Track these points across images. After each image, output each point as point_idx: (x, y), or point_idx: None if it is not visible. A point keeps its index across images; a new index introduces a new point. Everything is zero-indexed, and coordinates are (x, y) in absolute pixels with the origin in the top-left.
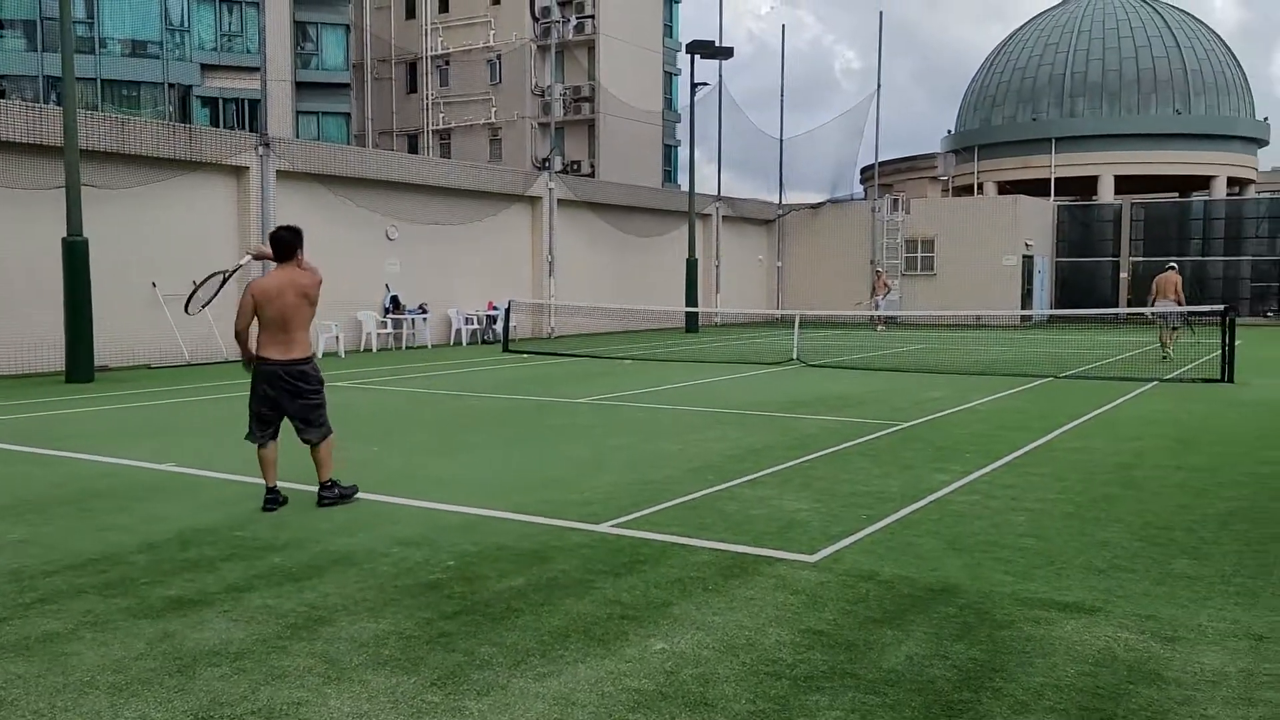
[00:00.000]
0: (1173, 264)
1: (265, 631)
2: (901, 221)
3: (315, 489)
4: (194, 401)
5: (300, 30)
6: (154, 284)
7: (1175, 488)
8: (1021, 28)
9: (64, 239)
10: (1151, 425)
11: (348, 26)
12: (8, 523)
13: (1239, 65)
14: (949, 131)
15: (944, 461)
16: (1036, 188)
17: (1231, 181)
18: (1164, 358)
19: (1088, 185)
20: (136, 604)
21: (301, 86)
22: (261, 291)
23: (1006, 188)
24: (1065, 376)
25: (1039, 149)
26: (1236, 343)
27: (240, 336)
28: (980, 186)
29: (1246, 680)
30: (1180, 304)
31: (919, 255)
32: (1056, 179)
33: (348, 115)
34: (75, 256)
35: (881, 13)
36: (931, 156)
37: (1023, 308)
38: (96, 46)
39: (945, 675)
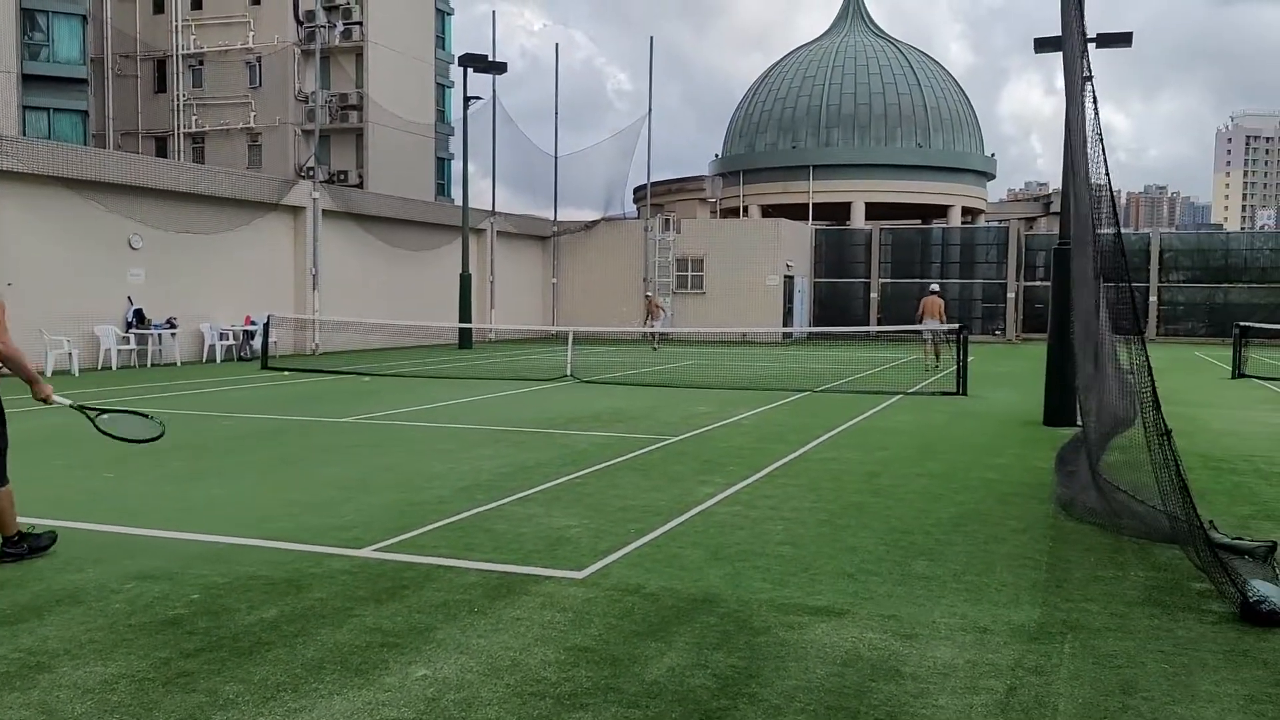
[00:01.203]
0: (935, 286)
1: None
2: (673, 241)
3: (73, 525)
4: None
5: (28, 17)
6: None
7: (916, 493)
8: (782, 60)
9: None
10: (896, 435)
11: (84, 17)
12: None
13: (970, 105)
14: (716, 155)
15: (709, 474)
16: (797, 212)
17: (965, 211)
18: (934, 368)
19: (842, 211)
20: None
21: (29, 79)
22: None
23: (769, 211)
24: (822, 390)
25: (798, 175)
26: (969, 359)
27: None
28: (745, 209)
29: (971, 670)
30: (942, 322)
31: (689, 274)
32: (814, 204)
33: (85, 113)
34: None
35: (652, 38)
36: (701, 178)
37: (784, 325)
38: None
39: (705, 684)
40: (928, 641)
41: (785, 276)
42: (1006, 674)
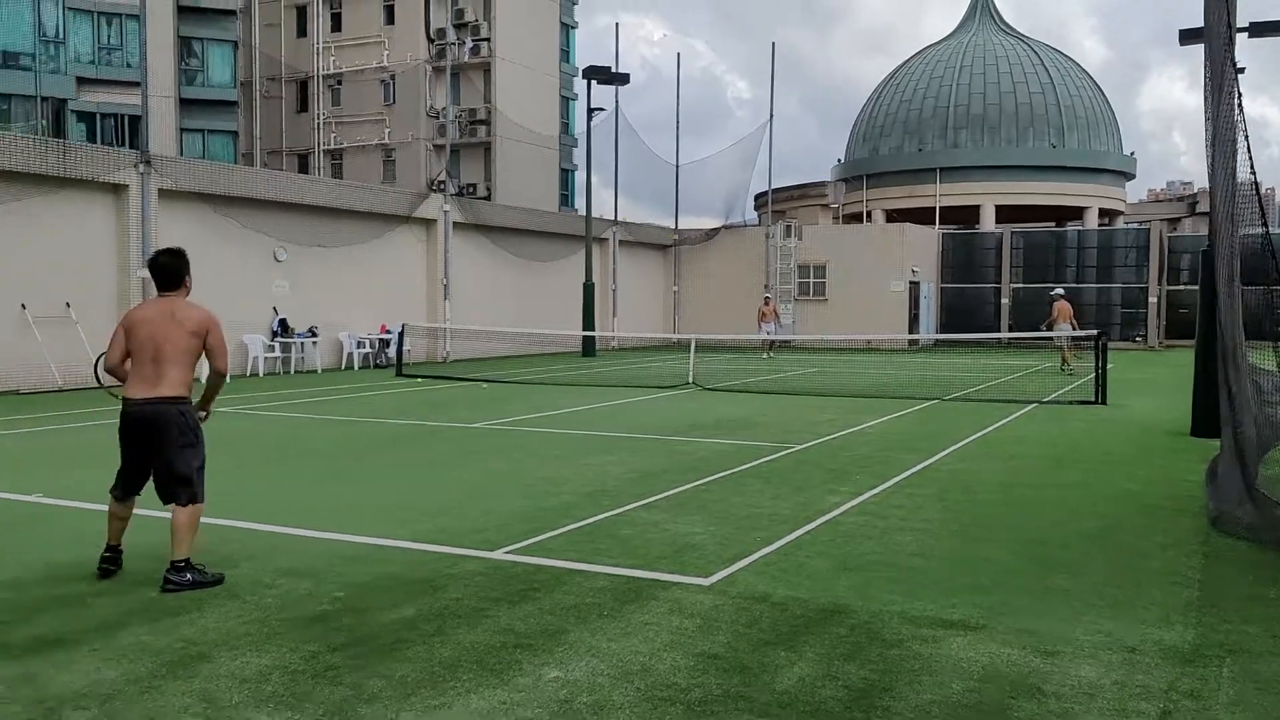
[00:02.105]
0: (1059, 290)
1: (139, 671)
2: (794, 247)
3: (230, 523)
4: (65, 429)
5: (185, 45)
6: (23, 305)
7: (1053, 505)
8: (907, 61)
9: None
10: (1030, 445)
11: (235, 43)
12: None
13: (1107, 101)
14: (839, 160)
15: (835, 483)
16: (923, 216)
17: (1102, 212)
18: (1069, 372)
19: (971, 214)
20: None
21: (186, 103)
22: (131, 321)
23: (894, 216)
24: (950, 399)
25: (924, 179)
26: (1109, 366)
27: (115, 373)
28: (869, 214)
29: (1120, 692)
30: (1074, 327)
31: (811, 280)
32: (941, 208)
33: (235, 134)
34: None
35: (774, 44)
36: (822, 184)
37: (910, 332)
38: None
39: (836, 696)
40: (1070, 659)
41: (911, 282)
42: (1159, 697)
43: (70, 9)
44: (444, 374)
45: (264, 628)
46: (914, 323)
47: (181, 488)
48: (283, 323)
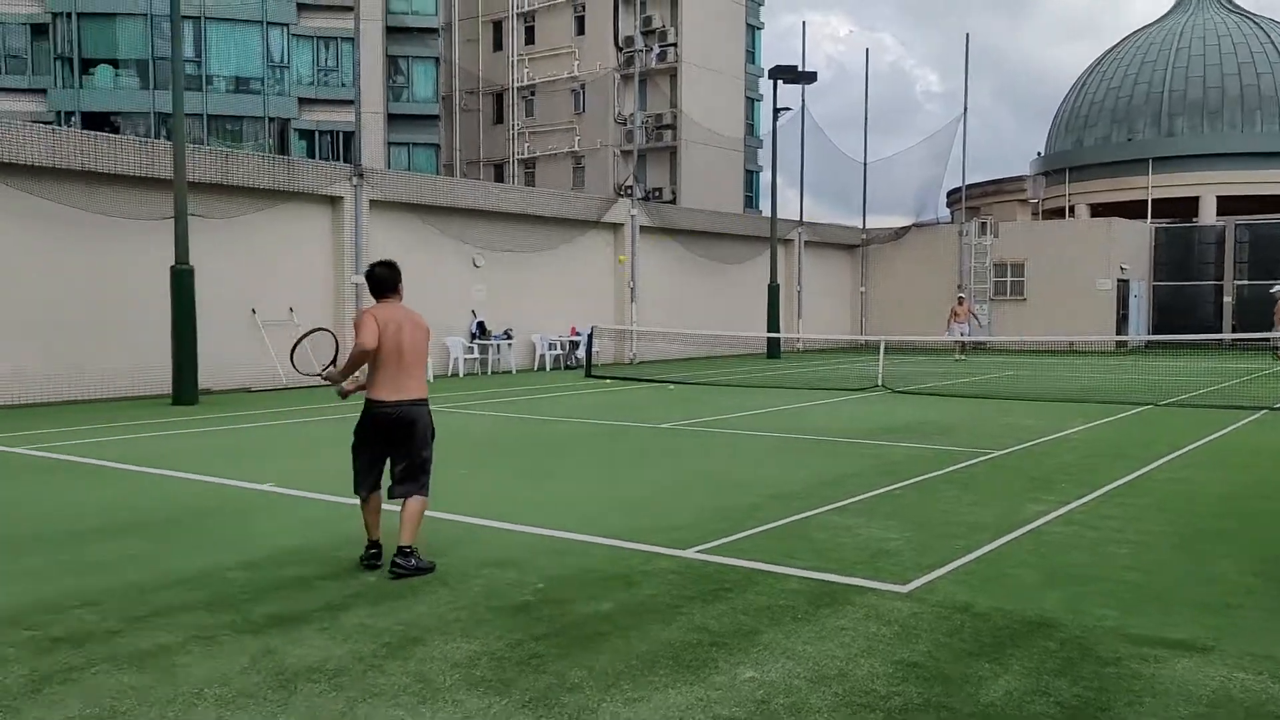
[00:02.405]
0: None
1: (361, 650)
2: (990, 245)
3: (440, 515)
4: (292, 424)
5: (392, 64)
6: (253, 310)
7: None
8: (1116, 46)
9: (172, 267)
10: (1263, 455)
11: (437, 60)
12: (122, 539)
13: None
14: (1039, 153)
15: (1038, 491)
16: (1131, 209)
17: None
18: None
19: (1186, 206)
20: (240, 619)
21: (393, 118)
22: (383, 321)
23: (1099, 210)
24: (1166, 404)
25: (1134, 170)
26: None
27: (362, 359)
28: (1072, 209)
29: None
30: None
31: (1008, 279)
32: (1154, 200)
33: (436, 146)
34: (182, 284)
35: (968, 35)
36: (1020, 179)
37: (1118, 333)
38: (203, 84)
39: (1047, 712)
40: None
41: (1119, 280)
42: None
43: (293, 35)
44: (631, 375)
45: (472, 615)
46: (1122, 323)
47: (418, 482)
48: (480, 325)
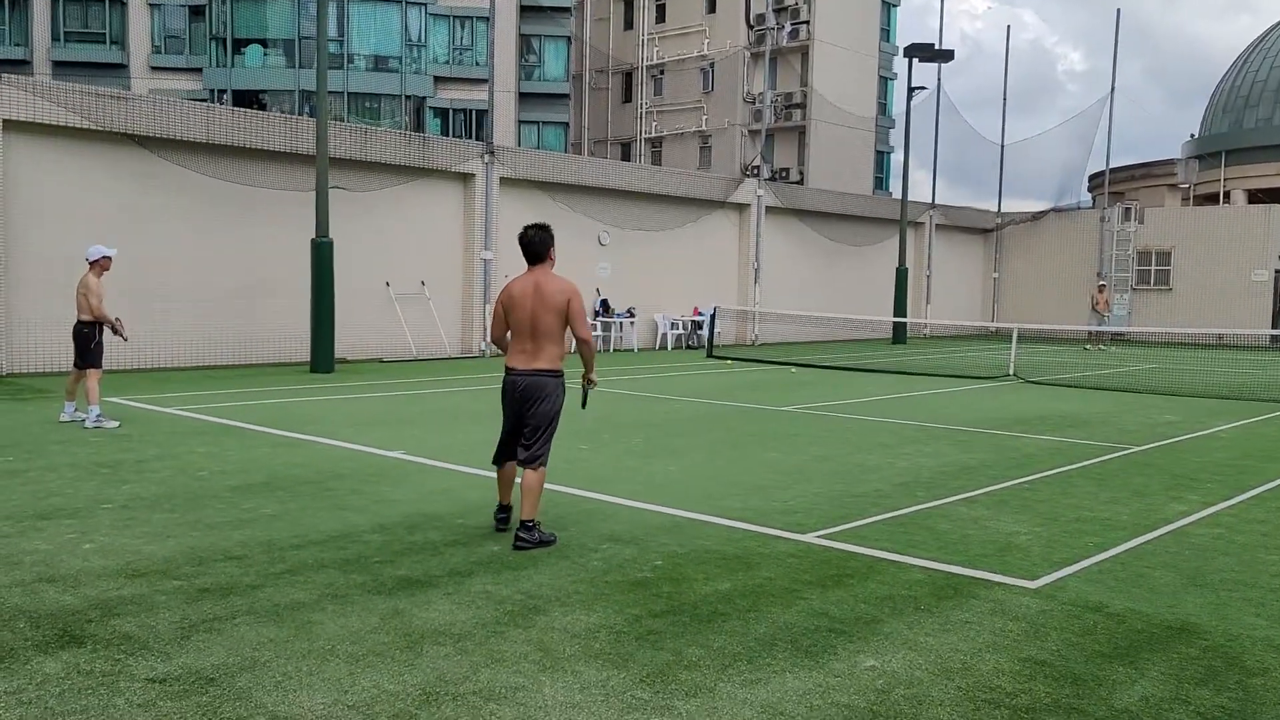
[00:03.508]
0: None
1: (485, 616)
2: (1133, 232)
3: (559, 489)
4: (421, 394)
5: (524, 43)
6: (387, 283)
7: None
8: None
9: (313, 240)
10: None
11: (569, 38)
12: (261, 498)
13: None
14: (1191, 135)
15: (1181, 490)
16: None
17: None
18: None
19: None
20: (371, 580)
21: (524, 97)
22: (507, 297)
23: (1258, 196)
24: None
25: None
26: None
27: (499, 344)
28: (1227, 195)
29: None
30: None
31: (1152, 268)
32: None
33: (566, 124)
34: (322, 256)
35: (1119, 10)
36: (1169, 162)
37: (1274, 327)
38: (345, 62)
39: None
40: None
41: (1277, 271)
42: None
43: (431, 14)
44: (752, 356)
45: (591, 588)
46: (1278, 317)
47: (539, 449)
48: (604, 303)
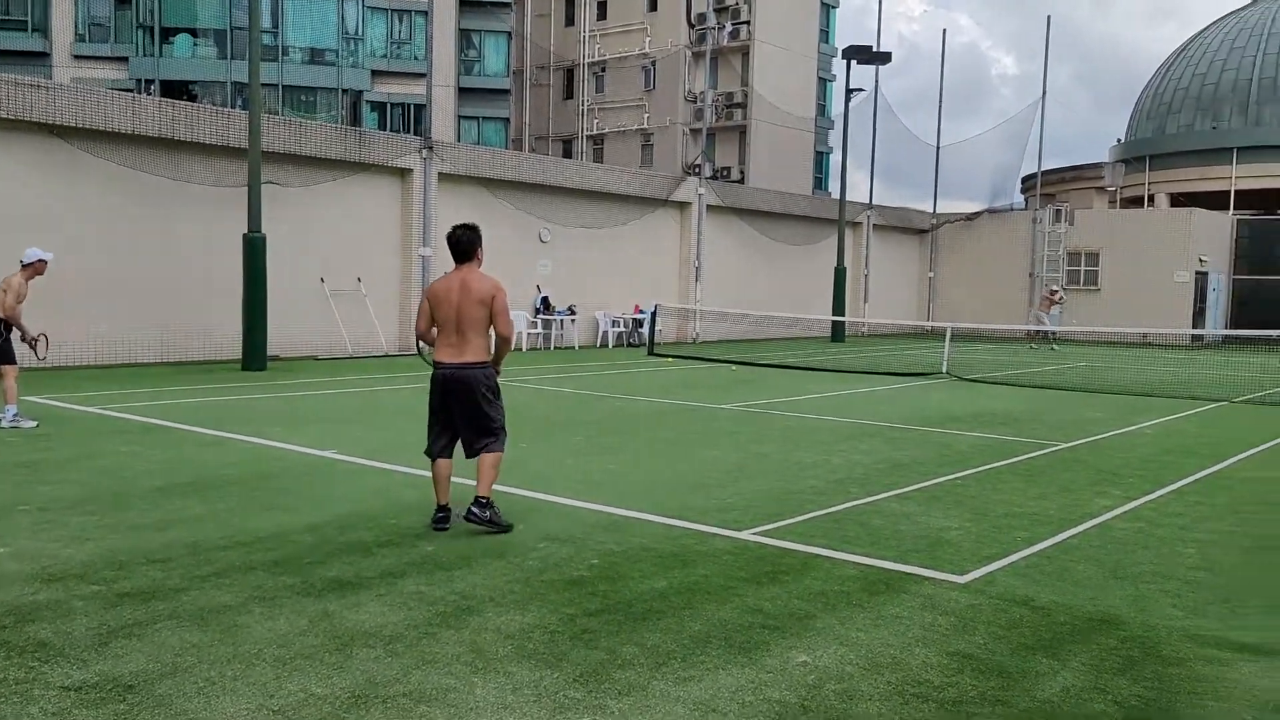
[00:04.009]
0: None
1: (417, 617)
2: (1064, 233)
3: (469, 482)
4: (356, 393)
5: (464, 37)
6: (322, 279)
7: None
8: (1203, 31)
9: (245, 235)
10: None
11: (509, 34)
12: (187, 499)
13: None
14: (1118, 140)
15: (1105, 485)
16: (1213, 200)
17: None
18: None
19: (1272, 198)
20: (300, 582)
21: (464, 92)
22: (433, 293)
23: (1180, 200)
24: (1242, 401)
25: (1219, 159)
26: None
27: (424, 339)
28: (1151, 198)
29: None
30: None
31: (1081, 269)
32: (1237, 191)
33: (506, 120)
34: (255, 252)
35: (1049, 17)
36: (1098, 165)
37: (1194, 327)
38: (279, 54)
39: (1106, 711)
40: None
41: (1198, 272)
42: None
43: (368, 7)
44: (693, 354)
45: (527, 588)
46: (1199, 317)
47: (487, 439)
48: (545, 300)
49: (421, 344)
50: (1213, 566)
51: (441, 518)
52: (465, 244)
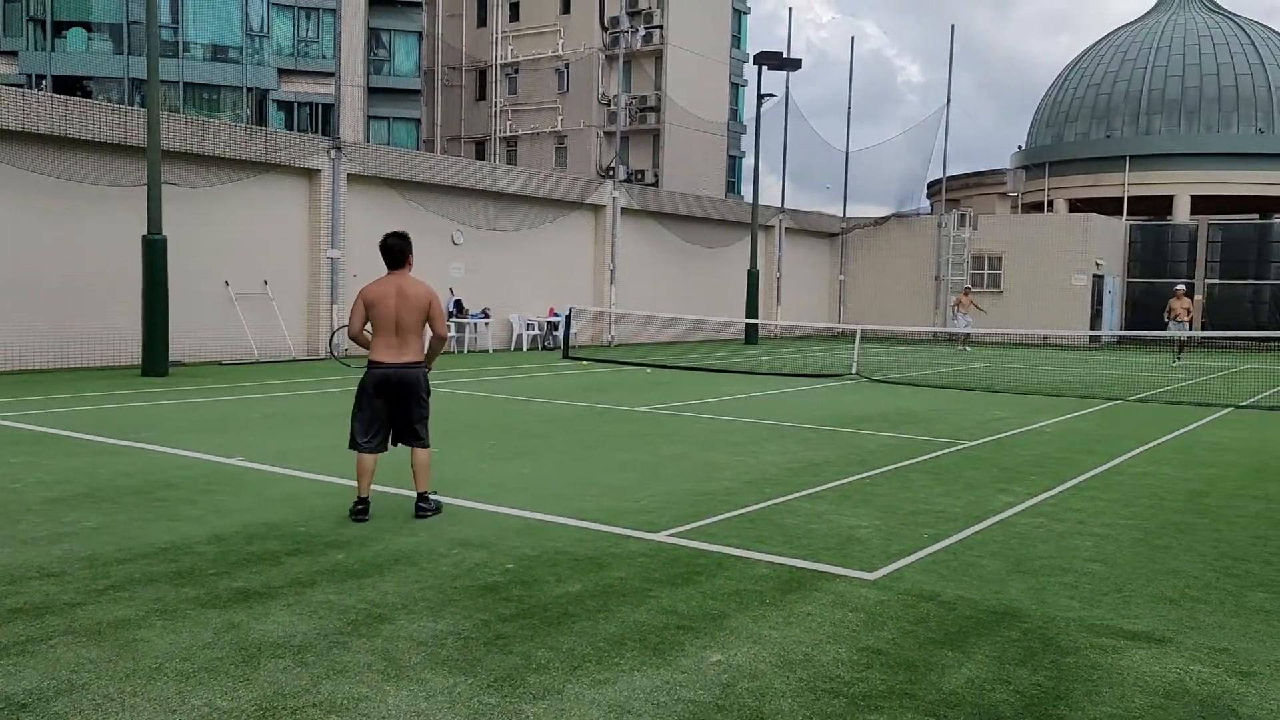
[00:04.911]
0: (1181, 286)
1: (327, 626)
2: (968, 237)
3: (405, 493)
4: (263, 398)
5: (374, 37)
6: (227, 282)
7: (1252, 518)
8: (1097, 43)
9: (144, 236)
10: (1226, 452)
11: (420, 34)
12: (82, 510)
13: None
14: (1019, 147)
15: (1008, 482)
16: (1109, 206)
17: None
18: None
19: (1162, 205)
20: (204, 594)
21: (374, 92)
22: (370, 296)
23: (1078, 205)
24: (1135, 399)
25: (1112, 167)
26: None
27: (357, 339)
28: (1051, 204)
29: None
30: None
31: (985, 272)
32: (1130, 198)
33: (418, 121)
34: (155, 254)
35: (953, 26)
36: (1000, 172)
37: (1092, 328)
38: (180, 50)
39: (1008, 700)
40: (1270, 682)
41: (1094, 276)
42: None
43: (273, 4)
44: (608, 357)
45: (439, 594)
46: (1096, 318)
47: (421, 433)
48: (458, 303)
49: (337, 346)
50: (1107, 559)
51: (361, 510)
52: (398, 251)
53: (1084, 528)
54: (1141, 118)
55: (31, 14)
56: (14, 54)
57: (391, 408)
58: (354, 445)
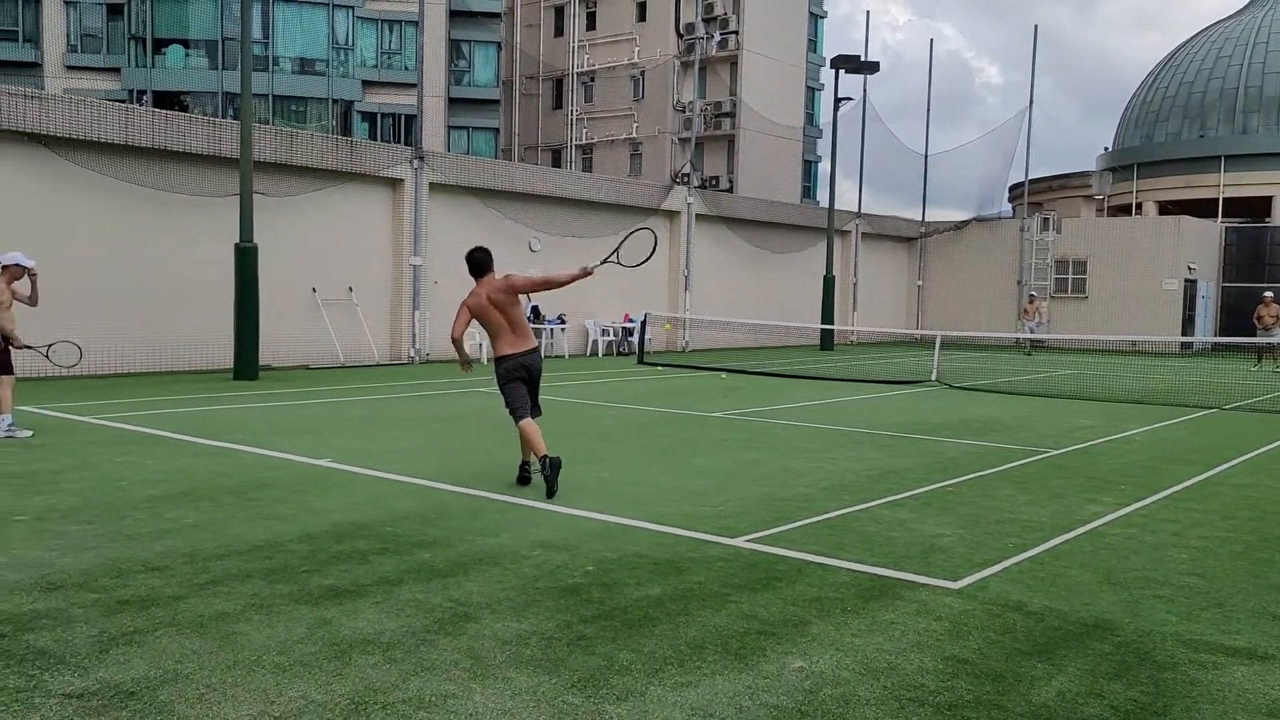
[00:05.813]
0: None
1: (414, 624)
2: (1052, 241)
3: (487, 495)
4: (348, 401)
5: (454, 48)
6: (314, 289)
7: None
8: (1190, 40)
9: (236, 244)
10: None
11: (499, 44)
12: (183, 508)
13: None
14: (1106, 148)
15: (1096, 492)
16: (1202, 208)
17: None
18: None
19: (1260, 206)
20: (297, 590)
21: (454, 102)
22: (473, 309)
23: (1168, 208)
24: (1231, 408)
25: (1206, 167)
26: None
27: (455, 342)
28: (1139, 206)
29: None
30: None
31: (1070, 277)
32: (1225, 199)
33: (496, 130)
34: (246, 261)
35: (1036, 26)
36: (1085, 174)
37: (1184, 334)
38: (270, 65)
39: (1102, 715)
40: None
41: (1186, 280)
42: None
43: (358, 17)
44: (683, 363)
45: (522, 595)
46: (1188, 324)
47: (539, 405)
48: (535, 309)
49: (456, 344)
50: (1205, 572)
51: (526, 471)
52: (484, 263)
53: (1180, 540)
54: (1238, 116)
55: (133, 32)
56: (117, 70)
57: (529, 385)
58: (518, 417)
